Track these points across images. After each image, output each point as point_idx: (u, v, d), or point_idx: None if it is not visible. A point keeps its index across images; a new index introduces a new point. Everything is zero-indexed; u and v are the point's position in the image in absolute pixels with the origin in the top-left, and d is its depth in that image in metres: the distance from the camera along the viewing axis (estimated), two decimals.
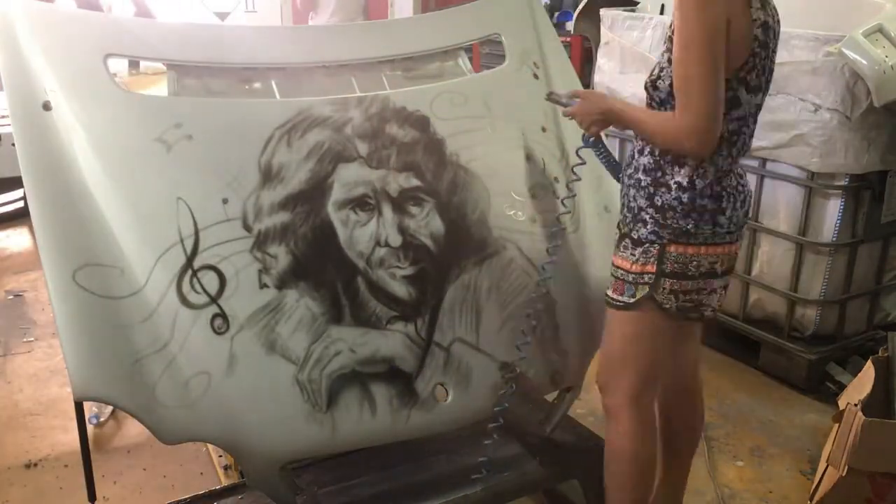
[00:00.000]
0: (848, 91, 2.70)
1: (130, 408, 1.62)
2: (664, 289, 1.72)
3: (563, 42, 2.46)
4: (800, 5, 3.08)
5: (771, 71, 1.70)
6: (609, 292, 1.80)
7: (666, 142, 1.64)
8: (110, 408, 2.75)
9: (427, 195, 1.96)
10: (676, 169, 1.69)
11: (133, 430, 2.69)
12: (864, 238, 2.95)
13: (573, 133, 2.21)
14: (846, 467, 2.09)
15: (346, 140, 1.92)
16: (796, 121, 2.83)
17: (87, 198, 1.68)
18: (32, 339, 3.48)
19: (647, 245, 1.72)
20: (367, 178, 1.91)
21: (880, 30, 2.64)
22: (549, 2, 6.00)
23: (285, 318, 1.76)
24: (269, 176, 1.82)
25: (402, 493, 2.00)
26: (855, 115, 2.72)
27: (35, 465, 2.58)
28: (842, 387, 2.80)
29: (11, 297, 3.96)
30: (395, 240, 1.89)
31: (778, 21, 1.71)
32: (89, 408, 2.70)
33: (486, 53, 5.15)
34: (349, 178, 1.89)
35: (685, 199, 1.68)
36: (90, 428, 2.65)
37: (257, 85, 2.07)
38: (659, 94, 1.69)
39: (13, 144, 1.70)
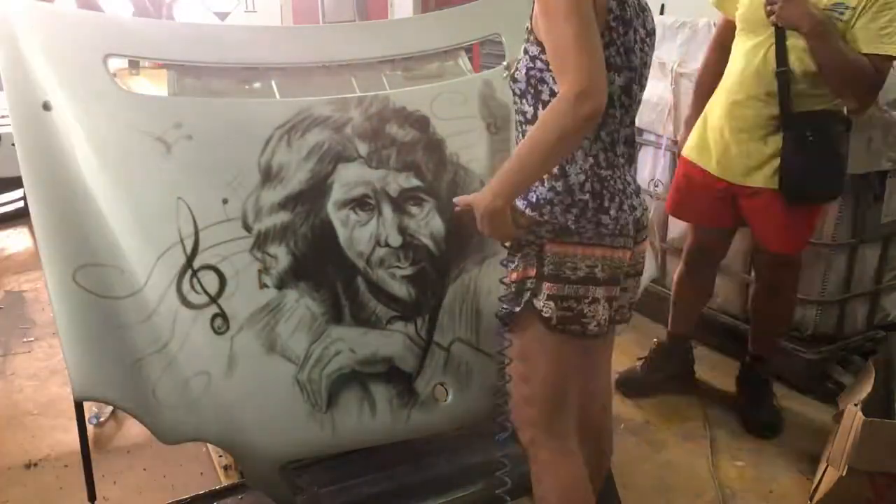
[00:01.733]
0: None
1: (130, 408, 1.62)
2: (544, 294, 1.58)
3: None
4: None
5: (639, 53, 1.58)
6: (497, 312, 1.68)
7: (562, 128, 1.43)
8: (110, 408, 2.75)
9: (427, 195, 1.96)
10: None
11: (133, 430, 2.69)
12: (864, 238, 2.95)
13: None
14: (846, 467, 2.09)
15: (346, 140, 1.92)
16: None
17: (87, 198, 1.68)
18: (32, 338, 3.48)
19: (524, 248, 1.61)
20: (367, 178, 1.91)
21: None
22: None
23: (285, 318, 1.76)
24: (268, 176, 1.83)
25: (402, 493, 2.00)
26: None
27: (35, 465, 2.58)
28: (842, 387, 2.80)
29: (11, 297, 3.96)
30: (395, 240, 1.89)
31: (644, 8, 1.62)
32: (89, 408, 2.70)
33: (486, 53, 5.15)
34: (349, 178, 1.89)
35: (560, 189, 1.57)
36: (90, 428, 2.65)
37: (257, 85, 2.07)
38: (519, 86, 1.60)
39: (13, 144, 1.70)
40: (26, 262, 4.37)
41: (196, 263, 1.72)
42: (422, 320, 1.89)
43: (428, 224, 1.94)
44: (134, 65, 2.56)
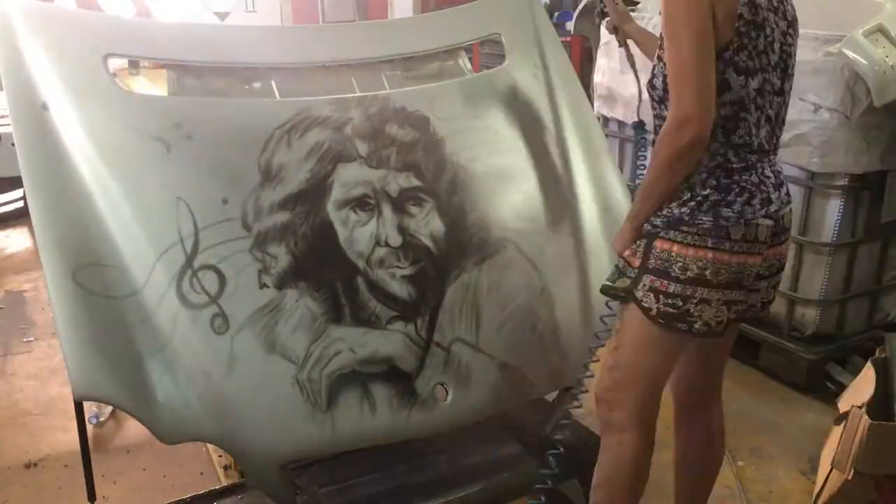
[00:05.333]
0: (848, 91, 2.69)
1: (130, 408, 1.62)
2: (645, 285, 1.62)
3: (563, 42, 2.46)
4: (800, 5, 3.08)
5: (779, 50, 1.60)
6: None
7: (670, 148, 1.54)
8: (110, 408, 2.75)
9: (427, 195, 1.96)
10: None
11: (133, 430, 2.69)
12: (864, 238, 2.95)
13: (573, 133, 2.22)
14: (851, 470, 2.08)
15: (346, 140, 1.92)
16: (796, 121, 2.83)
17: (87, 198, 1.68)
18: (32, 339, 3.48)
19: (643, 239, 1.64)
20: (366, 177, 1.91)
21: (880, 30, 2.63)
22: (549, 2, 6.00)
23: (285, 317, 1.76)
24: (268, 176, 1.82)
25: (402, 493, 2.00)
26: (855, 115, 2.71)
27: (35, 465, 2.58)
28: (842, 387, 2.80)
29: (11, 297, 3.96)
30: (395, 240, 1.89)
31: (789, 4, 1.65)
32: (89, 408, 2.70)
33: (486, 53, 5.15)
34: (349, 178, 1.89)
35: (681, 186, 1.59)
36: (90, 428, 2.65)
37: (257, 85, 2.07)
38: (657, 93, 1.68)
39: (13, 144, 1.70)
40: (26, 262, 4.37)
41: (196, 263, 1.71)
42: (422, 320, 1.89)
43: (428, 224, 1.94)
44: (134, 65, 2.56)
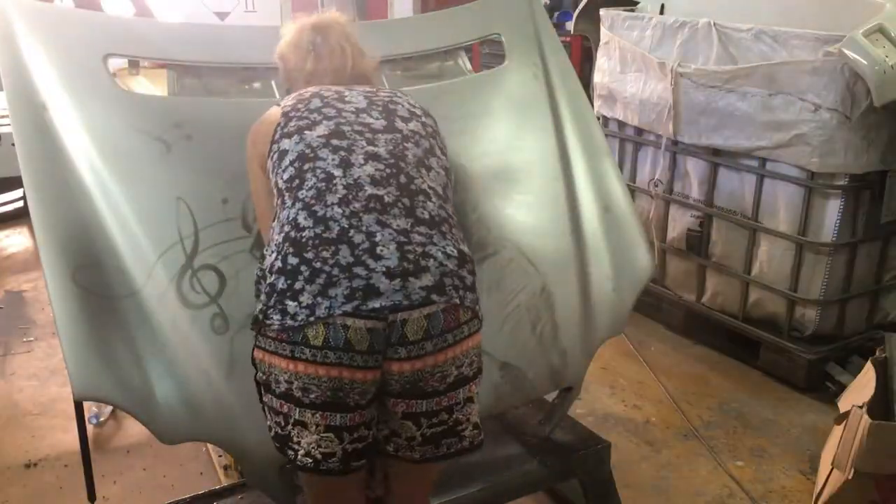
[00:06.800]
0: (848, 91, 2.69)
1: (130, 408, 1.62)
2: (262, 401, 1.41)
3: (563, 42, 2.46)
4: (800, 5, 3.08)
5: (338, 105, 1.50)
6: None
7: None
8: (110, 408, 2.75)
9: None
10: None
11: (133, 430, 2.69)
12: (864, 238, 2.95)
13: (573, 133, 2.22)
14: (852, 470, 2.08)
15: None
16: (796, 121, 2.83)
17: (87, 198, 1.68)
18: (32, 339, 3.48)
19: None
20: None
21: (880, 30, 2.63)
22: (549, 2, 6.00)
23: None
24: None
25: None
26: (855, 115, 2.71)
27: (35, 465, 2.58)
28: (842, 387, 2.80)
29: (11, 297, 3.96)
30: None
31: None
32: (89, 408, 2.70)
33: (486, 53, 5.16)
34: None
35: (259, 273, 1.44)
36: (90, 428, 2.65)
37: (257, 85, 2.07)
38: None
39: (13, 144, 1.70)
40: (26, 262, 4.37)
41: (196, 263, 1.71)
42: None
43: None
44: (134, 65, 2.56)
